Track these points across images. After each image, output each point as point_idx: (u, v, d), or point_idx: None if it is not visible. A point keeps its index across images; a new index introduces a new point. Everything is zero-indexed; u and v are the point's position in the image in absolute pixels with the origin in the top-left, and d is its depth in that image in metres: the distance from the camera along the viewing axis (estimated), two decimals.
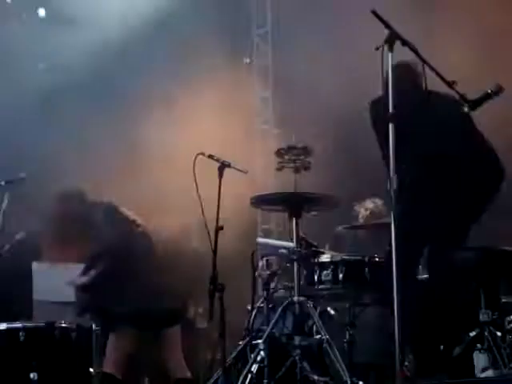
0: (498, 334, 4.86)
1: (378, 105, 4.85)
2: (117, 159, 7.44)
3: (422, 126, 5.02)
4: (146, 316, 5.99)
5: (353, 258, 5.48)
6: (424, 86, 4.52)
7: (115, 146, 7.61)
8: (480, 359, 4.57)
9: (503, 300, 5.29)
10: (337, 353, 5.12)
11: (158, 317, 6.09)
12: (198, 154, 5.98)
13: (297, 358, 5.10)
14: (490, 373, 4.47)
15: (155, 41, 9.84)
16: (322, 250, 5.59)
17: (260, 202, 5.74)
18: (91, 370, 6.23)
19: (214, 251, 5.56)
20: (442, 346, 4.96)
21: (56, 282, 7.60)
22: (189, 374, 6.06)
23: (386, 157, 4.85)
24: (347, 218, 7.42)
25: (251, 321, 5.92)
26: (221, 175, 5.88)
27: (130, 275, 5.95)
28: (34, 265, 7.33)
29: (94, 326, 6.39)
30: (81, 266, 6.68)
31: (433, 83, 4.59)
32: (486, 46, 7.77)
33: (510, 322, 5.40)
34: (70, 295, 6.90)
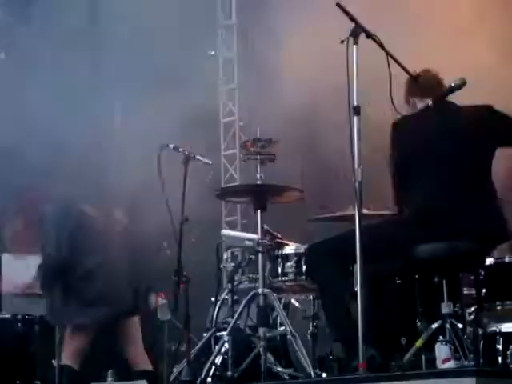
0: (460, 325, 4.89)
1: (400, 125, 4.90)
2: None
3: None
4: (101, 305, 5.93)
5: None
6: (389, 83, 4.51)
7: None
8: (441, 350, 4.59)
9: (465, 292, 5.33)
10: (300, 344, 5.14)
11: (115, 307, 6.02)
12: (162, 147, 5.99)
13: (261, 349, 5.12)
14: (451, 364, 4.51)
15: None
16: (285, 241, 5.59)
17: (225, 193, 5.75)
18: (54, 362, 6.23)
19: (179, 243, 5.55)
20: (403, 338, 5.00)
21: (23, 273, 7.56)
22: (150, 367, 6.02)
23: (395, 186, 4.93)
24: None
25: (215, 313, 5.93)
26: (186, 167, 5.88)
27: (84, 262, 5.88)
28: (2, 257, 7.30)
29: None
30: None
31: None
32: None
33: (470, 314, 5.46)
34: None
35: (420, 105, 5.01)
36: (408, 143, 4.97)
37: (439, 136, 4.95)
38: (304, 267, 5.38)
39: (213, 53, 12.75)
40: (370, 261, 4.40)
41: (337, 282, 4.72)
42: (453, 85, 4.57)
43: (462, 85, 4.56)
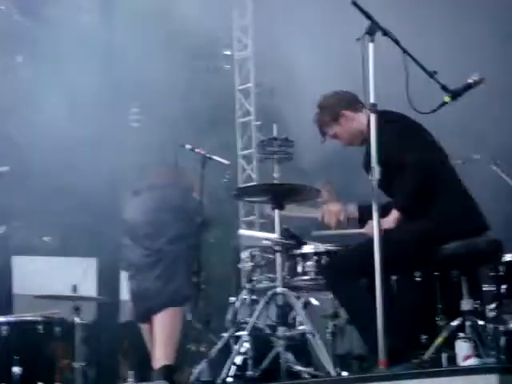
0: (480, 322, 4.88)
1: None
2: None
3: None
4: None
5: (336, 248, 5.48)
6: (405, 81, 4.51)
7: None
8: (462, 348, 4.58)
9: (485, 288, 5.31)
10: (320, 343, 5.13)
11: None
12: (179, 146, 6.02)
13: (280, 349, 5.11)
14: (472, 361, 4.49)
15: None
16: (305, 240, 5.58)
17: (242, 193, 5.74)
18: (74, 363, 6.25)
19: (198, 245, 5.57)
20: (424, 336, 4.99)
21: (36, 275, 7.60)
22: (169, 362, 5.97)
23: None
24: None
25: (235, 313, 5.92)
26: (203, 167, 5.91)
27: None
28: (14, 259, 7.33)
29: (76, 319, 6.41)
30: (61, 259, 6.73)
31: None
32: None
33: (490, 311, 5.43)
34: (50, 289, 6.88)
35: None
36: (435, 147, 5.01)
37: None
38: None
39: (229, 52, 12.77)
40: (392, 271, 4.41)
41: (357, 295, 4.75)
42: (471, 81, 4.54)
43: (479, 81, 4.53)
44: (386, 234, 4.50)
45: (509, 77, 8.28)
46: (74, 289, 6.64)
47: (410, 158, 4.79)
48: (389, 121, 4.84)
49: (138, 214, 6.30)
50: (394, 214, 4.86)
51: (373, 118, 4.41)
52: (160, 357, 5.94)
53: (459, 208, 4.90)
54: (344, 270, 4.87)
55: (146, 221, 6.20)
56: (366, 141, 4.93)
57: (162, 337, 5.99)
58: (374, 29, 4.40)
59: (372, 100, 4.40)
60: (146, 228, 6.18)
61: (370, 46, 4.37)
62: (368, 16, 4.43)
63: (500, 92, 7.93)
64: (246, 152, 11.00)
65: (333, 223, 5.14)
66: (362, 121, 5.18)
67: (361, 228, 5.00)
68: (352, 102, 5.25)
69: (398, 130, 4.90)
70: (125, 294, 9.12)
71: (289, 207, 5.39)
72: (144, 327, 6.23)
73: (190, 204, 6.14)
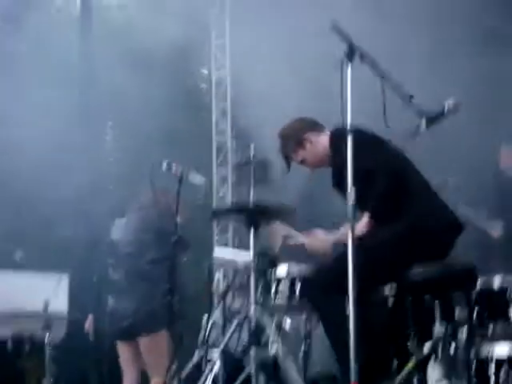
0: (452, 347, 4.89)
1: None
2: None
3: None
4: None
5: (310, 269, 5.46)
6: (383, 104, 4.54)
7: None
8: (433, 372, 4.59)
9: (457, 313, 5.33)
10: (293, 365, 5.12)
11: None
12: (155, 164, 6.02)
13: (252, 370, 5.09)
14: None
15: None
16: (279, 261, 5.58)
17: (218, 213, 5.73)
18: (44, 381, 6.20)
19: (172, 263, 5.54)
20: (395, 360, 5.00)
21: (5, 290, 7.52)
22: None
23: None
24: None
25: (207, 333, 5.90)
26: (179, 186, 5.90)
27: None
28: None
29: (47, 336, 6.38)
30: (31, 274, 6.78)
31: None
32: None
33: (461, 336, 5.45)
34: (20, 304, 6.83)
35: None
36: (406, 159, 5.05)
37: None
38: (298, 287, 5.37)
39: (206, 72, 12.76)
40: (363, 286, 4.40)
41: (337, 310, 4.75)
42: (447, 107, 4.57)
43: (456, 107, 4.56)
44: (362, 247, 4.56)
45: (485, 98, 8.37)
46: (46, 305, 6.59)
47: (376, 166, 4.84)
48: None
49: (121, 235, 6.66)
50: (364, 219, 4.90)
51: (349, 140, 4.42)
52: (153, 376, 6.40)
53: (431, 207, 4.97)
54: (324, 287, 4.88)
55: (128, 241, 6.54)
56: (331, 161, 5.09)
57: (153, 360, 6.42)
58: (352, 52, 4.43)
59: (349, 124, 4.42)
60: (128, 248, 6.52)
61: (349, 69, 4.40)
62: (347, 39, 4.45)
63: (477, 115, 8.02)
64: (221, 173, 10.99)
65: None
66: (326, 142, 5.23)
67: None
68: (313, 125, 5.32)
69: (363, 144, 4.91)
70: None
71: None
72: (122, 345, 6.36)
73: (170, 225, 6.25)
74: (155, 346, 6.41)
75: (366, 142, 4.94)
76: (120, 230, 6.77)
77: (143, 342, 6.48)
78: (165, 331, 6.33)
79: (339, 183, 4.92)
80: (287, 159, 5.37)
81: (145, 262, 6.43)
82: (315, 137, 5.30)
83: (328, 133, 5.28)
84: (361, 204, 4.92)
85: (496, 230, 5.26)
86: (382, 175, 4.88)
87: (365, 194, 4.85)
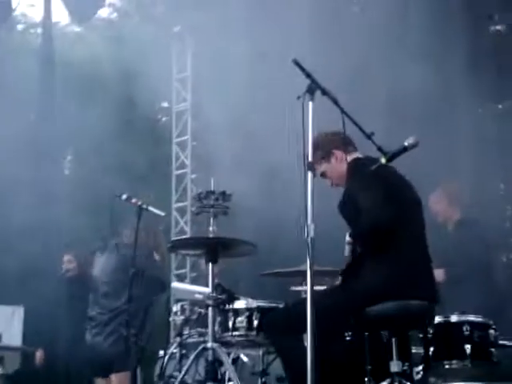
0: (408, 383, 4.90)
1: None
2: None
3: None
4: None
5: (267, 305, 5.46)
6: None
7: None
8: None
9: (413, 350, 5.34)
10: None
11: None
12: (114, 197, 6.00)
13: None
14: None
15: None
16: (237, 296, 5.55)
17: (177, 246, 5.70)
18: None
19: (129, 297, 5.50)
20: None
21: None
22: None
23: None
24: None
25: (163, 366, 5.85)
26: (139, 217, 5.88)
27: None
28: None
29: None
30: None
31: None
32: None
33: (418, 373, 5.46)
34: None
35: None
36: (404, 200, 5.04)
37: (412, 201, 5.08)
38: (255, 322, 5.34)
39: (166, 104, 12.77)
40: (322, 323, 4.39)
41: (296, 349, 4.73)
42: (406, 144, 4.60)
43: (415, 145, 4.60)
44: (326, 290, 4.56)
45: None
46: None
47: (367, 205, 4.82)
48: (362, 164, 4.97)
49: (100, 273, 6.84)
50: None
51: (309, 176, 4.44)
52: None
53: (413, 271, 4.85)
54: (285, 325, 4.86)
55: (105, 281, 6.75)
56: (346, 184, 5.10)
57: None
58: (313, 88, 4.46)
59: (310, 158, 4.44)
60: (104, 287, 6.71)
61: (310, 104, 4.42)
62: (308, 75, 4.48)
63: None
64: (180, 204, 10.97)
65: None
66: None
67: None
68: (345, 143, 5.20)
69: (367, 176, 4.89)
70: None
71: None
72: (99, 381, 6.47)
73: (148, 265, 6.47)
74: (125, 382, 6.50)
75: (375, 177, 4.92)
76: (99, 268, 6.92)
77: (118, 378, 6.57)
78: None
79: (342, 209, 4.94)
80: (311, 167, 5.25)
81: (121, 302, 6.51)
82: (342, 154, 5.20)
83: (355, 156, 5.21)
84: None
85: (438, 276, 5.31)
86: (368, 216, 4.80)
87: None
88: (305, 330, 4.34)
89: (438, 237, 6.88)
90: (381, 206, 4.79)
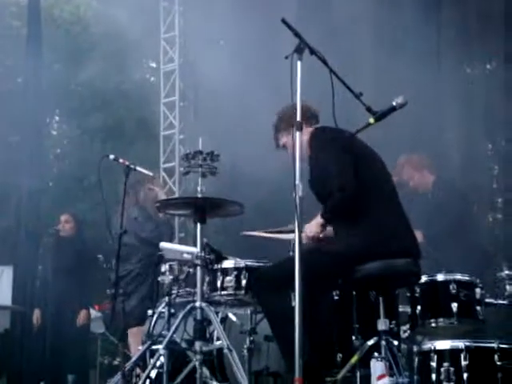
0: (395, 342, 4.94)
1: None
2: None
3: None
4: None
5: (256, 264, 5.48)
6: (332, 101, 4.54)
7: None
8: (377, 367, 4.63)
9: (400, 309, 5.39)
10: (237, 359, 5.12)
11: None
12: (102, 157, 5.99)
13: (197, 363, 5.08)
14: (385, 381, 4.54)
15: None
16: (225, 255, 5.57)
17: (165, 206, 5.70)
18: None
19: (117, 255, 5.50)
20: (339, 355, 5.03)
21: None
22: None
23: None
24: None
25: (152, 326, 5.88)
26: (126, 177, 5.87)
27: None
28: None
29: None
30: None
31: None
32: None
33: (405, 332, 5.52)
34: None
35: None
36: (369, 165, 5.05)
37: (379, 163, 5.11)
38: (244, 281, 5.37)
39: (154, 64, 12.69)
40: (309, 283, 4.41)
41: (284, 307, 4.76)
42: (395, 104, 4.60)
43: (403, 104, 4.60)
44: (312, 250, 4.57)
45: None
46: None
47: (333, 167, 4.84)
48: (329, 137, 4.95)
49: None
50: (318, 219, 4.89)
51: (297, 136, 4.44)
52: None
53: (389, 227, 4.90)
54: (273, 281, 4.89)
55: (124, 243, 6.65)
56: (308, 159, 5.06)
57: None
58: (302, 47, 4.44)
59: (298, 118, 4.44)
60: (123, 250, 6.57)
61: (298, 63, 4.41)
62: (296, 34, 4.47)
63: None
64: (168, 165, 10.95)
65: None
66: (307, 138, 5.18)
67: None
68: (308, 116, 5.19)
69: (334, 145, 4.90)
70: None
71: None
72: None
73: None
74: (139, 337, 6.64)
75: (327, 141, 4.95)
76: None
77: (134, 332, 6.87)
78: None
79: (312, 185, 4.93)
80: (275, 137, 5.27)
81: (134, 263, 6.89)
82: (304, 128, 5.19)
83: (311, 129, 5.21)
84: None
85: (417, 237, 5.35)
86: (338, 178, 4.84)
87: (324, 194, 4.88)
88: (291, 289, 4.37)
89: (422, 206, 6.94)
90: (346, 168, 4.83)
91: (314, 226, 4.87)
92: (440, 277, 5.44)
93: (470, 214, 7.34)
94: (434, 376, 4.95)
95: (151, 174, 6.55)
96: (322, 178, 4.88)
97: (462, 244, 6.71)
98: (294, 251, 4.38)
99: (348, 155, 4.81)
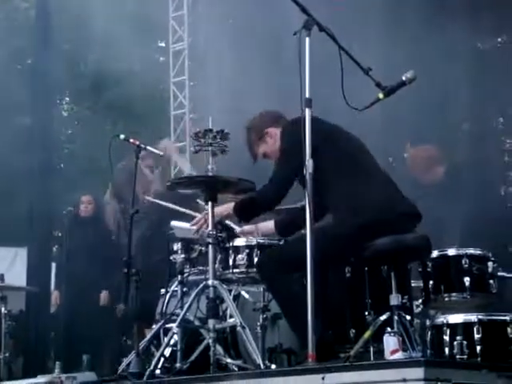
0: (408, 317, 4.95)
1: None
2: None
3: None
4: None
5: (268, 241, 5.50)
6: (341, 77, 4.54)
7: None
8: (389, 342, 4.64)
9: (413, 284, 5.40)
10: (250, 336, 5.14)
11: None
12: (112, 137, 5.99)
13: (210, 341, 5.10)
14: (399, 355, 4.56)
15: None
16: (237, 233, 5.58)
17: (176, 185, 5.71)
18: None
19: (129, 235, 5.52)
20: (352, 330, 5.05)
21: None
22: None
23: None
24: None
25: (165, 304, 5.90)
26: (137, 157, 5.88)
27: None
28: None
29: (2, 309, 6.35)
30: None
31: None
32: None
33: (417, 306, 5.53)
34: None
35: None
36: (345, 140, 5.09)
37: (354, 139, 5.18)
38: (255, 259, 5.38)
39: (163, 44, 12.66)
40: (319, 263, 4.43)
41: (293, 288, 4.80)
42: (404, 78, 4.59)
43: (413, 79, 4.59)
44: (321, 229, 4.57)
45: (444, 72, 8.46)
46: (1, 278, 6.55)
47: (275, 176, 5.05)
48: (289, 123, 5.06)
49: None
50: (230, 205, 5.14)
51: (308, 112, 4.43)
52: None
53: (388, 197, 4.95)
54: (281, 263, 4.91)
55: None
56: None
57: None
58: (310, 24, 4.43)
59: (307, 95, 4.43)
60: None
61: (307, 40, 4.40)
62: (305, 10, 4.45)
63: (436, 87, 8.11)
64: (179, 144, 10.95)
65: None
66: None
67: None
68: (275, 119, 5.28)
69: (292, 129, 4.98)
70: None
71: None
72: None
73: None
74: None
75: (289, 140, 5.04)
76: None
77: None
78: None
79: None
80: (251, 151, 5.36)
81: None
82: (275, 130, 5.26)
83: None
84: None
85: None
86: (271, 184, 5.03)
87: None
88: (300, 270, 4.40)
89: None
90: (283, 182, 5.03)
91: (223, 208, 5.07)
92: (452, 251, 5.43)
93: (483, 192, 7.34)
94: (447, 350, 4.97)
95: (161, 153, 6.56)
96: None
97: (475, 220, 6.72)
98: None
99: (296, 164, 4.72)
